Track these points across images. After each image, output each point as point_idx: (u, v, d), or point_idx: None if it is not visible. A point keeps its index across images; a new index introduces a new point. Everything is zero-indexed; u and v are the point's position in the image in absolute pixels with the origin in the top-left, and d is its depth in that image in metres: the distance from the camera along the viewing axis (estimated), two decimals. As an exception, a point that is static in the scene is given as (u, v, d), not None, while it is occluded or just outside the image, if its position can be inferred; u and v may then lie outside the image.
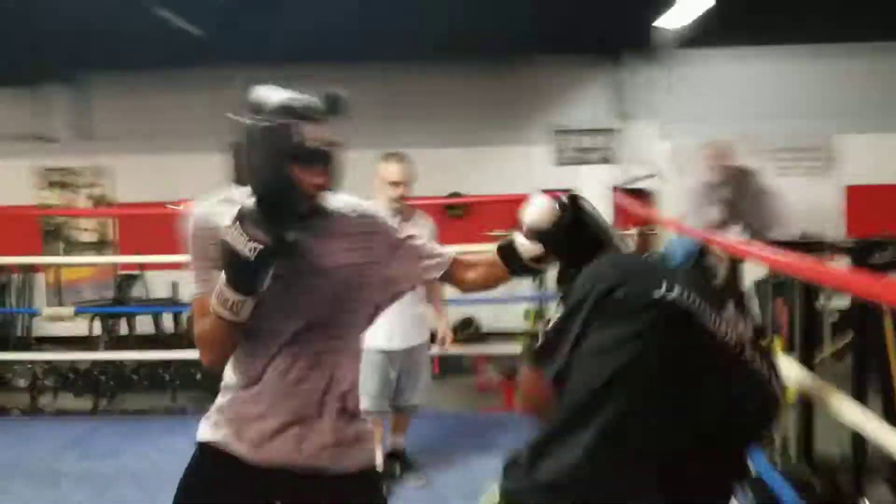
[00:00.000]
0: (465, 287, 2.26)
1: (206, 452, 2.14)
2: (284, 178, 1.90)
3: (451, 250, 2.25)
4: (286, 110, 1.90)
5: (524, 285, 9.29)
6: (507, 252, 2.13)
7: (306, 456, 2.06)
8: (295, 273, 1.99)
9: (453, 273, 2.22)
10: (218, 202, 2.06)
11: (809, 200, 9.11)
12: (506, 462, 1.68)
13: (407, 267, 2.17)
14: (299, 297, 2.02)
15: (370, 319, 2.19)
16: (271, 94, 1.95)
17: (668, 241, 1.93)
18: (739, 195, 9.40)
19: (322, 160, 1.93)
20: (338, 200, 2.08)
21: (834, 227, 8.90)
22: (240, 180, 2.03)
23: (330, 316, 2.06)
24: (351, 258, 2.06)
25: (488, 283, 2.24)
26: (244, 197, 1.99)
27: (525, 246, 2.08)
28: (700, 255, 1.81)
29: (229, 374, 2.13)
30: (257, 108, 1.94)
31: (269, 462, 2.06)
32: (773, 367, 1.63)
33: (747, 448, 1.68)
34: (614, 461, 1.52)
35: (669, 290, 1.55)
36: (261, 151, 1.91)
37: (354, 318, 2.13)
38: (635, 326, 1.53)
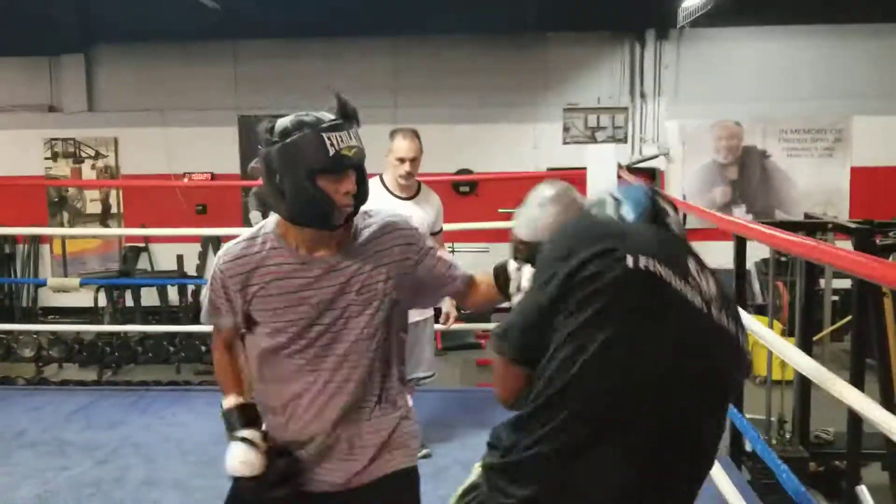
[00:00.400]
0: (468, 306, 2.27)
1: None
2: (315, 194, 1.87)
3: (467, 272, 2.20)
4: (300, 125, 1.87)
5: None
6: (501, 275, 2.10)
7: (351, 477, 2.07)
8: (332, 316, 1.98)
9: (462, 294, 2.20)
10: (246, 242, 2.03)
11: (821, 182, 9.09)
12: (490, 437, 1.67)
13: (429, 284, 2.12)
14: (337, 334, 2.00)
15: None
16: (280, 120, 1.92)
17: (614, 194, 1.77)
18: (746, 176, 9.41)
19: (348, 165, 1.89)
20: (366, 212, 2.06)
21: (846, 209, 8.89)
22: (267, 208, 2.05)
23: (362, 336, 2.03)
24: (383, 277, 2.01)
25: (489, 304, 2.23)
26: (269, 230, 2.01)
27: (512, 270, 2.06)
28: (652, 206, 1.70)
29: (263, 401, 2.12)
30: (270, 135, 1.91)
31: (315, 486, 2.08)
32: (738, 322, 1.61)
33: (724, 403, 1.64)
34: (577, 451, 1.51)
35: (636, 260, 1.52)
36: (285, 172, 1.88)
37: (386, 327, 2.08)
38: (605, 305, 1.50)
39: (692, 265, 1.59)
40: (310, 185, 1.86)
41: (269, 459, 2.00)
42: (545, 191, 1.98)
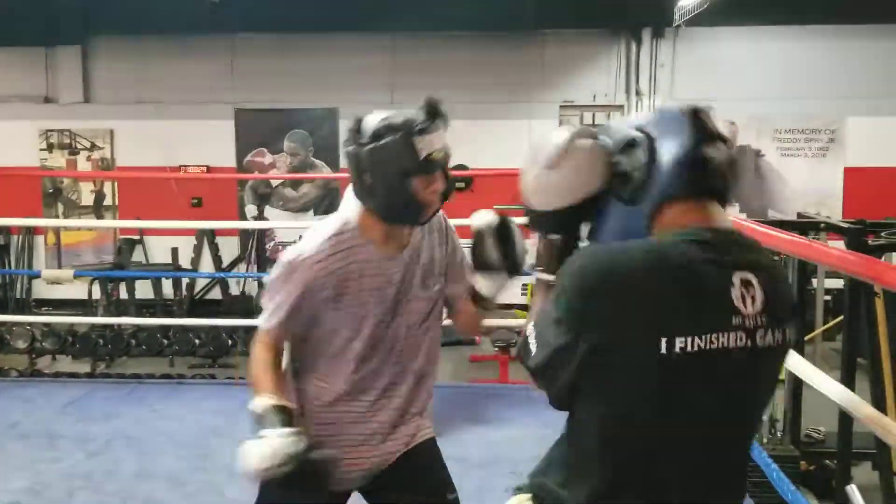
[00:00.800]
0: (457, 321, 2.28)
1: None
2: (406, 194, 1.93)
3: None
4: (390, 129, 1.92)
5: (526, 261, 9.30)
6: (474, 293, 2.16)
7: (386, 455, 2.15)
8: (403, 309, 2.06)
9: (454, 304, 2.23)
10: (333, 238, 2.02)
11: (814, 182, 9.11)
12: (542, 475, 1.56)
13: (459, 273, 2.21)
14: (402, 326, 2.08)
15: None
16: (371, 118, 1.96)
17: (648, 130, 1.46)
18: (739, 174, 9.41)
19: (436, 167, 1.94)
20: None
21: (839, 209, 8.91)
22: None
23: (420, 331, 2.12)
24: (437, 270, 2.15)
25: (474, 326, 2.27)
26: (352, 226, 2.02)
27: (479, 284, 2.12)
28: (694, 152, 1.42)
29: (305, 386, 2.12)
30: (361, 133, 1.95)
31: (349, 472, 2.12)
32: (787, 320, 1.45)
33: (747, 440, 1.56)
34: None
35: (671, 344, 1.34)
36: (376, 174, 1.93)
37: (437, 316, 2.18)
38: (633, 390, 1.38)
39: (737, 290, 1.40)
40: (402, 186, 1.92)
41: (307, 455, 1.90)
42: (554, 143, 1.54)
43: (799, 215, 5.85)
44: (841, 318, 4.35)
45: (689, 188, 1.45)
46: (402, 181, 1.91)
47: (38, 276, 9.19)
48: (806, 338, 4.46)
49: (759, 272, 1.43)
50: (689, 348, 1.35)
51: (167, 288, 8.85)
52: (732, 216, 1.72)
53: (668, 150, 1.44)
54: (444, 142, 1.95)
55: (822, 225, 4.43)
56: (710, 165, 1.45)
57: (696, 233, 1.42)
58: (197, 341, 7.24)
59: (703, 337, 1.36)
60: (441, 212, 2.14)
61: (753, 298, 1.40)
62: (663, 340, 1.34)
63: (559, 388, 1.43)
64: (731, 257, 1.42)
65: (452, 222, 2.26)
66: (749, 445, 1.59)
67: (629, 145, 1.47)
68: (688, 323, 1.36)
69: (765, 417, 4.45)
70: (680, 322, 1.36)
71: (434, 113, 1.95)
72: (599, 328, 1.36)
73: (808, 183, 9.10)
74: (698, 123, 1.44)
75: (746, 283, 1.40)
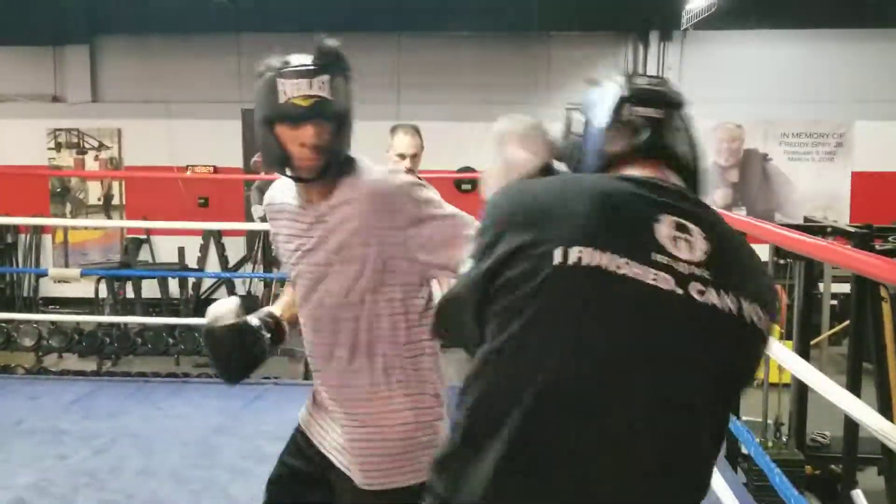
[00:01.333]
0: None
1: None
2: (269, 141, 1.76)
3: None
4: (267, 67, 1.76)
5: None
6: None
7: None
8: (317, 271, 1.86)
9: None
10: (281, 181, 2.00)
11: (821, 186, 9.09)
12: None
13: (421, 260, 1.87)
14: (323, 290, 1.86)
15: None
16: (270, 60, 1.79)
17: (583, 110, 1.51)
18: (747, 178, 9.42)
19: (302, 115, 1.72)
20: (363, 168, 1.85)
21: (846, 214, 8.88)
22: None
23: (347, 301, 1.84)
24: (359, 241, 1.80)
25: None
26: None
27: None
28: (618, 110, 1.41)
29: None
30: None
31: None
32: (744, 285, 1.24)
33: (720, 393, 1.26)
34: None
35: (566, 254, 1.18)
36: (255, 115, 1.81)
37: (373, 298, 1.85)
38: (535, 312, 1.19)
39: (665, 229, 1.23)
40: (266, 132, 1.76)
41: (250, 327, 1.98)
42: (510, 146, 1.68)
43: (806, 219, 5.84)
44: (847, 322, 4.34)
45: (620, 148, 1.39)
46: (266, 126, 1.75)
47: (45, 274, 9.21)
48: (812, 342, 4.45)
49: (706, 227, 1.26)
50: (586, 261, 1.18)
51: (173, 287, 8.87)
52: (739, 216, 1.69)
53: (595, 117, 1.46)
54: (323, 91, 1.72)
55: (829, 229, 4.43)
56: (634, 124, 1.40)
57: (631, 175, 1.32)
58: (202, 341, 7.26)
59: (608, 255, 1.19)
60: (405, 186, 1.85)
61: (690, 245, 1.23)
62: (558, 251, 1.19)
63: (462, 330, 1.35)
64: (669, 201, 1.27)
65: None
66: (698, 434, 1.24)
67: (567, 128, 1.54)
68: (591, 237, 1.20)
69: (769, 421, 4.44)
70: (580, 235, 1.20)
71: (320, 58, 1.73)
72: (503, 241, 1.24)
73: (815, 187, 9.08)
74: (625, 90, 1.44)
75: (680, 227, 1.24)
